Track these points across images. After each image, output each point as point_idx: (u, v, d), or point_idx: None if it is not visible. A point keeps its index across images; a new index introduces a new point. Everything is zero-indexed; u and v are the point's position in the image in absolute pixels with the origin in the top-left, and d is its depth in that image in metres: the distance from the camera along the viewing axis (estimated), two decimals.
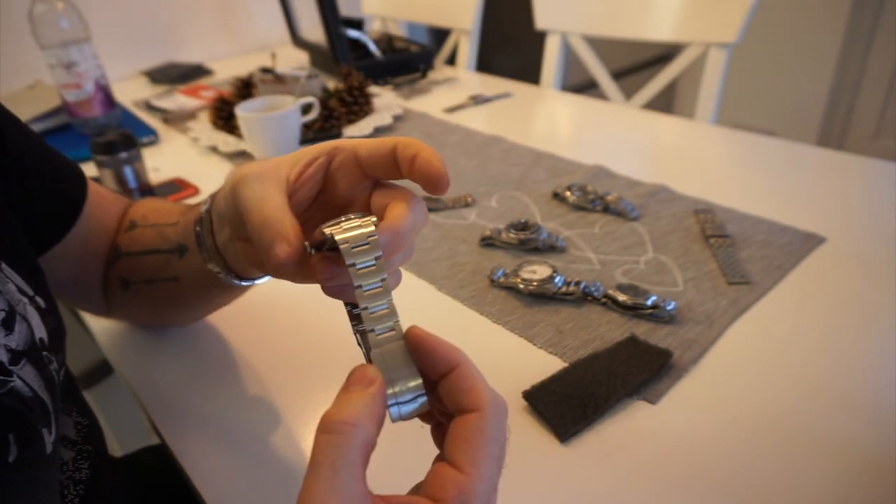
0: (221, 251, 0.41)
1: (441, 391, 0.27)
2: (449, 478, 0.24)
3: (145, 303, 0.50)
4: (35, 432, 0.31)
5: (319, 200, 0.35)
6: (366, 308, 0.26)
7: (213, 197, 0.40)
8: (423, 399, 0.27)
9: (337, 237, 0.27)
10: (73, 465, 0.42)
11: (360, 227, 0.27)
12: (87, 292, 0.50)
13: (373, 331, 0.26)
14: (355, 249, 0.26)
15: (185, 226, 0.44)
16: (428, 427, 0.30)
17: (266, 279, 0.43)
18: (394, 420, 0.26)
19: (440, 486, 0.24)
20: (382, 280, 0.26)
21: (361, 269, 0.26)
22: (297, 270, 0.30)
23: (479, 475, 0.24)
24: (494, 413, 0.26)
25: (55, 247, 0.45)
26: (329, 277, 0.29)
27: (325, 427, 0.24)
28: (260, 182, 0.31)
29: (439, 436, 0.29)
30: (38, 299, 0.36)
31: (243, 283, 0.43)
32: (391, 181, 0.33)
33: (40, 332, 0.35)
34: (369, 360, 0.27)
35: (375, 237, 0.27)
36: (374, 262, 0.26)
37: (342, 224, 0.28)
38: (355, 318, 0.30)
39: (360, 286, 0.26)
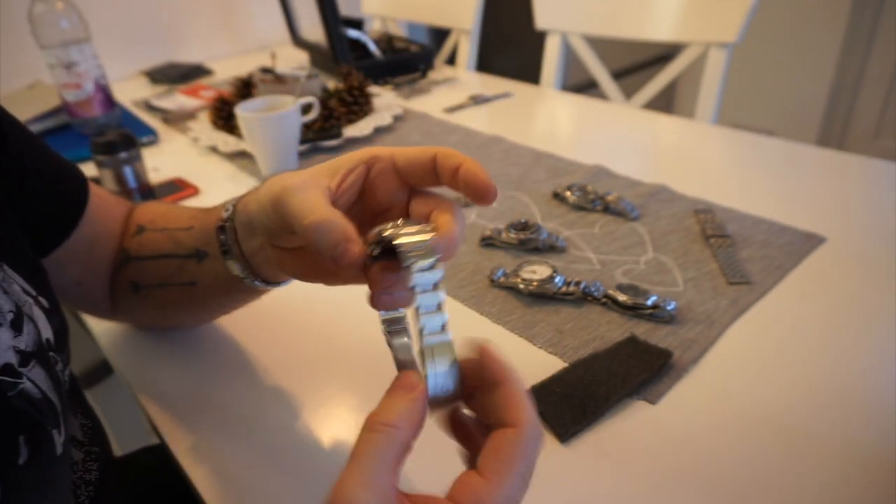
0: (248, 258, 0.41)
1: (486, 402, 0.28)
2: (470, 482, 0.25)
3: (156, 306, 0.50)
4: (45, 434, 0.31)
5: (356, 207, 0.35)
6: (419, 307, 0.28)
7: (234, 206, 0.41)
8: (455, 397, 0.29)
9: (398, 241, 0.29)
10: (82, 466, 0.42)
11: (418, 232, 0.29)
12: (91, 295, 0.50)
13: (423, 328, 0.28)
14: (414, 253, 0.28)
15: (203, 231, 0.44)
16: (452, 446, 0.30)
17: (290, 282, 0.44)
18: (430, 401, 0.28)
19: (460, 489, 0.25)
20: (436, 282, 0.29)
21: (419, 270, 0.28)
22: (354, 274, 0.31)
23: (499, 484, 0.25)
24: (532, 433, 0.27)
25: (58, 249, 0.45)
26: (387, 287, 0.30)
27: (368, 426, 0.26)
28: (306, 191, 0.32)
29: (469, 452, 0.29)
30: (42, 299, 0.36)
31: (269, 286, 0.43)
32: (429, 189, 0.34)
33: (46, 332, 0.35)
34: (401, 366, 0.29)
35: (432, 243, 0.29)
36: (430, 264, 0.29)
37: (399, 229, 0.30)
38: (391, 323, 0.31)
39: (415, 285, 0.28)
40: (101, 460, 0.44)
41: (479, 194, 0.31)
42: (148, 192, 0.82)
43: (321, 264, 0.35)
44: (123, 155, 0.77)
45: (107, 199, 0.50)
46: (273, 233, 0.36)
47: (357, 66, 1.12)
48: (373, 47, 1.27)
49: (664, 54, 2.47)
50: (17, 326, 0.32)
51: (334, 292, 0.59)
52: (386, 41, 1.36)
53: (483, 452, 0.26)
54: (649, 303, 0.52)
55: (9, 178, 0.40)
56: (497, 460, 0.25)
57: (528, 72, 1.52)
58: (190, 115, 1.11)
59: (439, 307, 0.28)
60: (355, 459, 0.24)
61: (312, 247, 0.30)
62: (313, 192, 0.32)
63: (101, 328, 0.57)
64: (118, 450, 0.79)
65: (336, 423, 0.45)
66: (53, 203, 0.45)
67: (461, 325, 0.54)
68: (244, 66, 1.26)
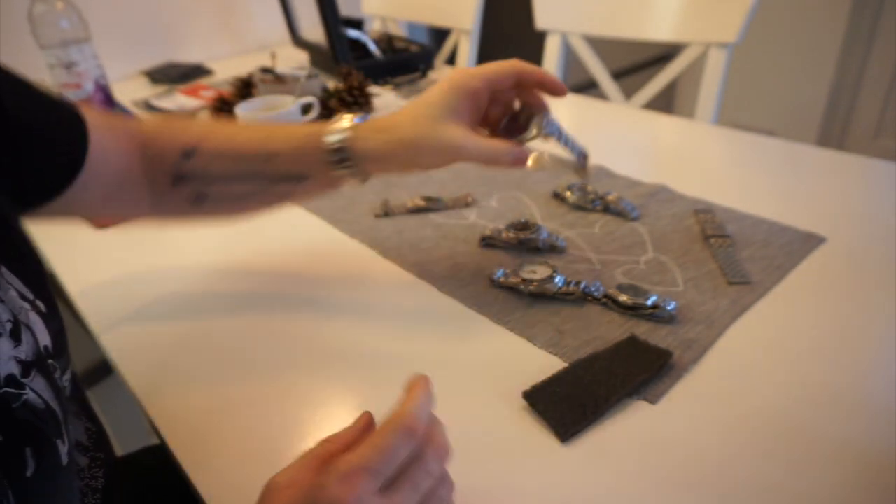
0: (368, 172, 0.51)
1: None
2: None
3: (222, 209, 0.54)
4: (50, 445, 0.31)
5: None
6: (561, 139, 0.55)
7: (347, 146, 0.49)
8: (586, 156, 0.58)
9: (533, 134, 0.52)
10: (88, 473, 0.41)
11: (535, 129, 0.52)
12: (123, 204, 0.53)
13: (567, 141, 0.56)
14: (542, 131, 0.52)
15: (299, 160, 0.50)
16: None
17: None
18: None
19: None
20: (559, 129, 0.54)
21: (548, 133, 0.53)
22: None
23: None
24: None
25: (65, 192, 0.46)
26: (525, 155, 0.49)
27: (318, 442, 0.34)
28: (469, 138, 0.48)
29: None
30: (39, 303, 0.36)
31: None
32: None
33: (44, 338, 0.35)
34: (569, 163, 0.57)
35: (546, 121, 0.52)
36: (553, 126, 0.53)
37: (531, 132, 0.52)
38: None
39: (553, 135, 0.53)
40: (105, 466, 0.44)
41: (557, 90, 0.51)
42: None
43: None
44: None
45: (107, 126, 0.50)
46: (410, 162, 0.50)
47: (357, 66, 1.12)
48: (373, 47, 1.27)
49: (664, 54, 2.47)
50: (16, 336, 0.32)
51: (334, 292, 0.59)
52: (386, 41, 1.36)
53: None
54: (649, 303, 0.52)
55: (5, 134, 0.40)
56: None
57: None
58: (190, 115, 1.11)
59: (565, 139, 0.55)
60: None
61: (489, 166, 0.49)
62: (469, 135, 0.48)
63: (101, 328, 0.57)
64: (119, 450, 0.79)
65: (336, 423, 0.44)
66: (52, 153, 0.45)
67: (461, 325, 0.54)
68: (244, 66, 1.26)
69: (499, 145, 0.48)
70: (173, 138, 0.52)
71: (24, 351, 0.32)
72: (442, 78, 0.54)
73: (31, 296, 0.36)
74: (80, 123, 0.47)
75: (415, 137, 0.48)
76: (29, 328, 0.33)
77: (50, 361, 0.34)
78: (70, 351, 0.40)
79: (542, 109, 0.52)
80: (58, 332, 0.37)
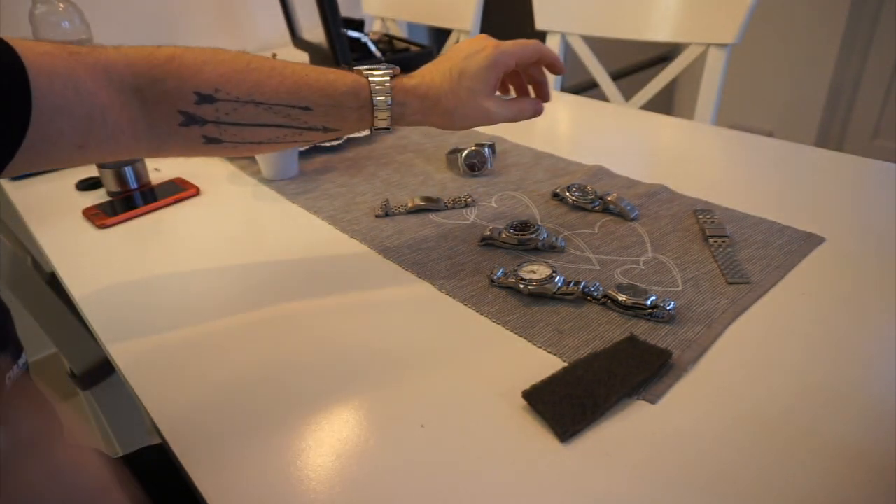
0: (400, 120, 0.57)
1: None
2: None
3: (235, 148, 0.53)
4: None
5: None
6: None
7: (399, 106, 0.55)
8: None
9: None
10: None
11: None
12: (105, 147, 0.47)
13: None
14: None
15: (333, 114, 0.52)
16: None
17: None
18: None
19: None
20: None
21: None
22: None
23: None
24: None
25: (21, 145, 0.41)
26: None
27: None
28: (501, 105, 0.58)
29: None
30: None
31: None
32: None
33: None
34: None
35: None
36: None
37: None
38: None
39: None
40: None
41: (558, 69, 0.61)
42: (149, 191, 0.82)
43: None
44: None
45: (61, 66, 0.43)
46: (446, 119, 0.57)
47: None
48: (373, 48, 1.27)
49: (664, 55, 2.47)
50: None
51: (334, 292, 0.59)
52: (386, 42, 1.36)
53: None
54: (648, 303, 0.52)
55: None
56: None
57: None
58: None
59: None
60: None
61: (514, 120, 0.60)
62: (500, 102, 0.58)
63: (102, 328, 0.57)
64: (119, 450, 0.79)
65: (336, 423, 0.45)
66: None
67: (461, 324, 0.54)
68: None
69: (521, 106, 0.60)
70: (182, 80, 0.47)
71: None
72: (477, 43, 0.57)
73: None
74: (17, 72, 0.40)
75: (455, 108, 0.56)
76: None
77: None
78: (19, 345, 0.37)
79: (543, 79, 0.63)
80: None
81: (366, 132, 0.56)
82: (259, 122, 0.49)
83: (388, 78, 0.54)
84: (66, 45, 0.45)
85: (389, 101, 0.54)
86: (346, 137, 0.92)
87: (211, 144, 0.50)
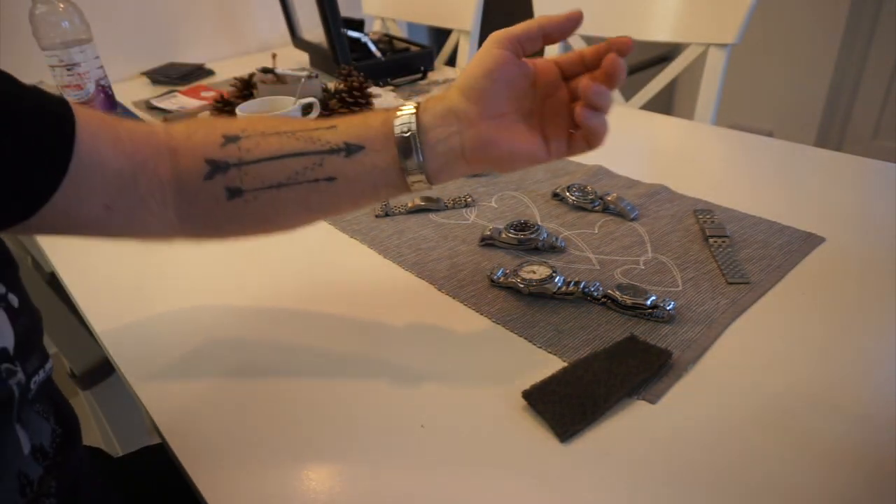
0: (430, 146, 0.46)
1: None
2: None
3: (259, 209, 0.47)
4: None
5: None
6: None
7: (415, 106, 0.46)
8: None
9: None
10: (36, 489, 0.38)
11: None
12: (133, 215, 0.46)
13: None
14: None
15: (359, 127, 0.46)
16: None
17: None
18: None
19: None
20: None
21: None
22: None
23: None
24: None
25: (55, 194, 0.40)
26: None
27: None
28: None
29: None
30: (12, 297, 0.34)
31: (422, 184, 0.47)
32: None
33: (5, 340, 0.33)
34: None
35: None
36: None
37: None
38: None
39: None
40: (66, 469, 0.41)
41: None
42: None
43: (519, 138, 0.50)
44: None
45: (105, 127, 0.45)
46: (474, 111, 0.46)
47: (357, 67, 1.12)
48: (373, 48, 1.27)
49: (664, 55, 2.47)
50: None
51: (333, 293, 0.59)
52: (386, 42, 1.36)
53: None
54: (648, 303, 0.52)
55: None
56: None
57: None
58: (191, 115, 1.11)
59: None
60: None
61: None
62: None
63: (102, 328, 0.57)
64: (119, 450, 0.79)
65: (335, 424, 0.45)
66: (32, 156, 0.39)
67: (461, 325, 0.54)
68: (245, 66, 1.26)
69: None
70: (213, 128, 0.47)
71: None
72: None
73: (2, 290, 0.34)
74: (66, 123, 0.42)
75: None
76: None
77: (5, 366, 0.33)
78: (43, 350, 0.38)
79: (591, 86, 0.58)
80: (26, 328, 0.34)
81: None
82: (283, 153, 0.46)
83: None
84: (118, 117, 0.47)
85: (406, 113, 0.47)
86: None
87: (234, 200, 0.46)
